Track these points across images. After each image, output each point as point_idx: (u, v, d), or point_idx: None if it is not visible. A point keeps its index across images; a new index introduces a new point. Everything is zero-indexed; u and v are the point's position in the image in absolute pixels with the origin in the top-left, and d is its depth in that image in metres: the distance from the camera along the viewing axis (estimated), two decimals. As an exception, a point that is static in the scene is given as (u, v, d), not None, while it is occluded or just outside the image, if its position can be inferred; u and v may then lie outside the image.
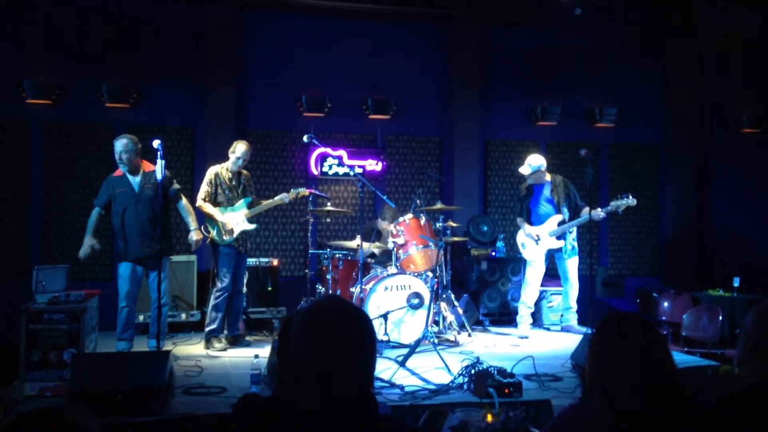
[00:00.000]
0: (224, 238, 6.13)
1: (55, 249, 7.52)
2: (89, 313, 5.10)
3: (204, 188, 6.19)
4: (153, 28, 7.94)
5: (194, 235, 5.94)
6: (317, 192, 7.25)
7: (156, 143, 5.14)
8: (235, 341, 6.32)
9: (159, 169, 5.13)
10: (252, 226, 6.31)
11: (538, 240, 6.96)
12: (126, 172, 5.72)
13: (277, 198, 6.51)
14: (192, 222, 5.99)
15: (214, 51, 8.06)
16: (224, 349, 6.07)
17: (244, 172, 6.40)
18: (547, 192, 7.03)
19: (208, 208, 6.15)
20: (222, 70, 8.06)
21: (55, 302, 4.82)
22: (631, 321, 2.01)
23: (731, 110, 9.48)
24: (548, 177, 7.07)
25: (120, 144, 5.65)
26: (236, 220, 6.19)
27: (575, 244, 7.05)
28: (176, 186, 5.98)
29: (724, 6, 8.46)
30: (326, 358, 1.65)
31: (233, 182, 6.27)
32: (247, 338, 6.66)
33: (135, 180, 5.72)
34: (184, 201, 6.04)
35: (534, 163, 6.96)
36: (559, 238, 6.92)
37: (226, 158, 6.29)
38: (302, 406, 1.64)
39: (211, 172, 6.25)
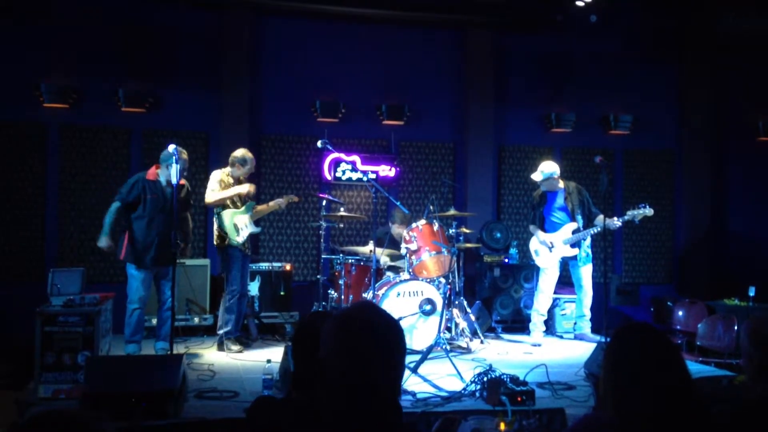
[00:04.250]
0: (237, 240, 6.16)
1: (71, 252, 7.58)
2: (104, 315, 5.14)
3: (214, 186, 6.21)
4: (169, 33, 8.00)
5: (188, 252, 6.18)
6: (330, 197, 7.26)
7: (171, 148, 5.18)
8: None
9: (174, 173, 5.16)
10: (258, 229, 6.48)
11: (551, 247, 6.92)
12: (164, 179, 5.72)
13: (272, 203, 6.63)
14: (189, 238, 6.17)
15: (229, 56, 8.10)
16: (240, 351, 6.12)
17: (242, 178, 6.46)
18: (560, 200, 6.99)
19: (219, 195, 6.15)
20: (237, 75, 8.10)
21: (70, 305, 4.85)
22: (645, 331, 2.00)
23: (747, 117, 9.40)
24: (562, 184, 7.03)
25: (186, 159, 5.66)
26: (243, 222, 6.24)
27: (589, 251, 7.00)
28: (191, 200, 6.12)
29: (740, 12, 8.40)
30: (353, 365, 1.68)
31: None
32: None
33: (168, 190, 5.69)
34: (190, 216, 6.17)
35: (546, 169, 6.93)
36: (573, 246, 6.88)
37: (240, 163, 6.39)
38: (327, 410, 1.65)
39: (216, 175, 6.31)
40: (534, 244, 7.11)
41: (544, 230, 7.04)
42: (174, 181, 5.16)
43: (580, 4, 7.88)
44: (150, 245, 5.69)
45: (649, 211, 6.63)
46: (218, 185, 6.21)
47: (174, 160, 5.13)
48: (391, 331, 1.76)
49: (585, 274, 6.97)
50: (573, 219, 6.91)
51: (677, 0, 8.85)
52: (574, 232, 6.87)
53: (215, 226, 6.28)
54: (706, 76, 9.26)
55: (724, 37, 8.94)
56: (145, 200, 5.69)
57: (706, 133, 9.23)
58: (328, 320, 1.76)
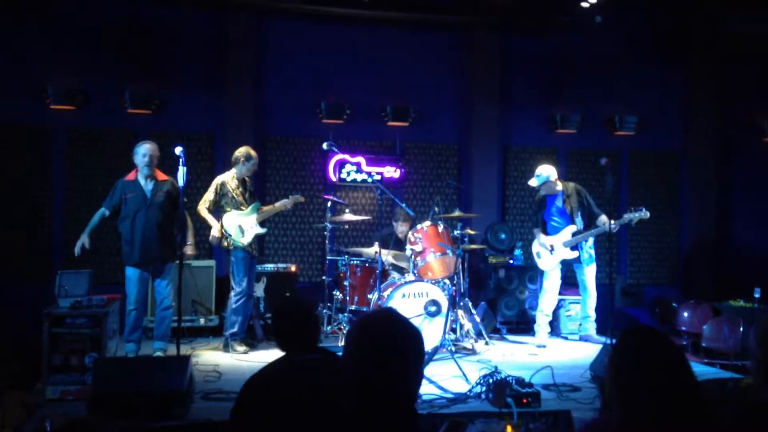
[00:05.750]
0: (241, 242, 6.19)
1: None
2: (111, 317, 5.16)
3: (209, 197, 6.31)
4: (175, 36, 8.02)
5: (189, 250, 6.15)
6: (335, 198, 7.28)
7: (178, 150, 5.21)
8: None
9: (181, 175, 5.20)
10: (264, 230, 6.47)
11: (552, 250, 6.91)
12: (142, 177, 5.85)
13: (278, 204, 6.67)
14: (189, 236, 6.18)
15: (234, 58, 8.12)
16: (246, 352, 6.15)
17: (246, 178, 6.48)
18: (559, 202, 6.98)
19: (206, 214, 6.29)
20: (242, 77, 8.12)
21: (78, 307, 4.88)
22: (649, 334, 2.01)
23: (753, 118, 9.39)
24: (560, 186, 7.01)
25: (148, 148, 5.83)
26: (249, 224, 6.27)
27: (592, 252, 6.99)
28: (184, 199, 6.09)
29: (746, 14, 8.39)
30: (372, 370, 1.73)
31: (240, 189, 6.37)
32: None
33: (147, 186, 5.87)
34: (187, 215, 6.19)
35: (543, 173, 6.91)
36: (573, 248, 6.87)
37: (247, 164, 6.42)
38: (344, 408, 1.70)
39: (218, 181, 6.36)
40: (535, 247, 7.11)
41: (546, 233, 7.03)
42: (181, 183, 5.20)
43: (585, 5, 7.88)
44: (134, 242, 5.79)
45: (645, 214, 6.61)
46: (212, 193, 6.29)
47: (182, 162, 5.17)
48: (410, 337, 1.81)
49: (588, 274, 6.96)
50: (572, 221, 6.90)
51: (683, 1, 8.84)
52: (573, 235, 6.85)
53: (215, 227, 6.33)
54: (711, 77, 9.24)
55: (730, 39, 8.92)
56: (125, 200, 5.84)
57: (711, 134, 9.21)
58: (351, 325, 1.83)
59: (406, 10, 8.39)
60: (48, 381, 4.66)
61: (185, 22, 8.10)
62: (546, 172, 6.91)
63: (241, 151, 6.39)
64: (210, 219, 6.28)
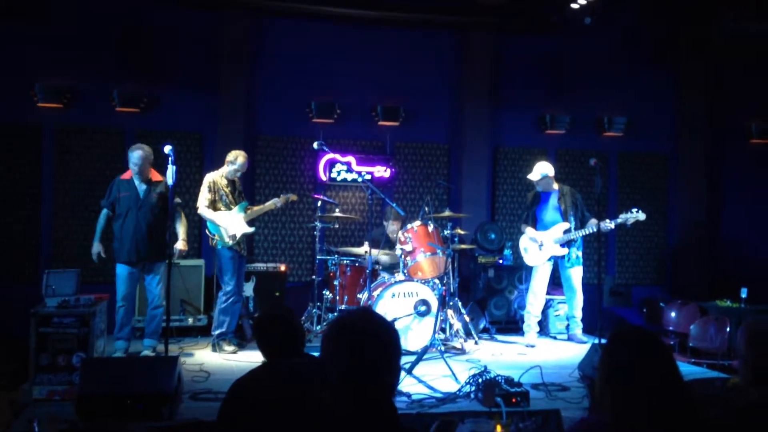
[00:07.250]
0: (227, 241, 6.18)
1: (66, 252, 7.56)
2: (98, 317, 5.12)
3: (205, 195, 6.27)
4: (164, 34, 7.99)
5: (180, 245, 6.06)
6: (325, 198, 7.26)
7: (167, 149, 5.18)
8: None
9: (170, 174, 5.17)
10: (252, 229, 6.44)
11: (541, 245, 6.92)
12: (136, 179, 5.86)
13: (268, 203, 6.66)
14: (182, 232, 6.12)
15: (224, 57, 8.09)
16: (234, 352, 6.13)
17: (236, 178, 6.48)
18: (554, 200, 7.01)
19: (210, 213, 6.24)
20: (232, 76, 8.09)
21: (65, 306, 4.84)
22: (639, 336, 2.02)
23: (741, 120, 9.46)
24: (556, 185, 7.05)
25: (138, 155, 5.84)
26: (236, 223, 6.25)
27: (579, 254, 7.00)
28: (178, 199, 6.06)
29: (735, 16, 8.44)
30: (349, 366, 1.76)
31: (229, 188, 6.37)
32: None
33: (141, 186, 5.91)
34: (182, 213, 6.19)
35: (543, 170, 6.95)
36: (562, 245, 6.89)
37: (234, 163, 6.39)
38: (335, 410, 1.73)
39: (209, 179, 6.33)
40: (524, 242, 7.12)
41: (536, 230, 7.05)
42: (170, 181, 5.18)
43: (575, 6, 7.91)
44: (124, 241, 5.83)
45: (641, 216, 6.66)
46: (207, 191, 6.25)
47: (171, 161, 5.15)
48: (388, 334, 1.85)
49: (574, 275, 6.96)
50: (565, 219, 6.93)
51: (673, 3, 8.89)
52: (565, 232, 6.88)
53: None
54: (700, 78, 9.30)
55: (719, 41, 8.97)
56: (119, 199, 5.88)
57: (700, 136, 9.27)
58: (328, 325, 1.86)
59: (398, 10, 8.39)
60: (35, 381, 4.62)
61: (175, 21, 8.05)
62: (546, 169, 6.95)
63: (232, 153, 6.38)
64: (215, 216, 6.22)
